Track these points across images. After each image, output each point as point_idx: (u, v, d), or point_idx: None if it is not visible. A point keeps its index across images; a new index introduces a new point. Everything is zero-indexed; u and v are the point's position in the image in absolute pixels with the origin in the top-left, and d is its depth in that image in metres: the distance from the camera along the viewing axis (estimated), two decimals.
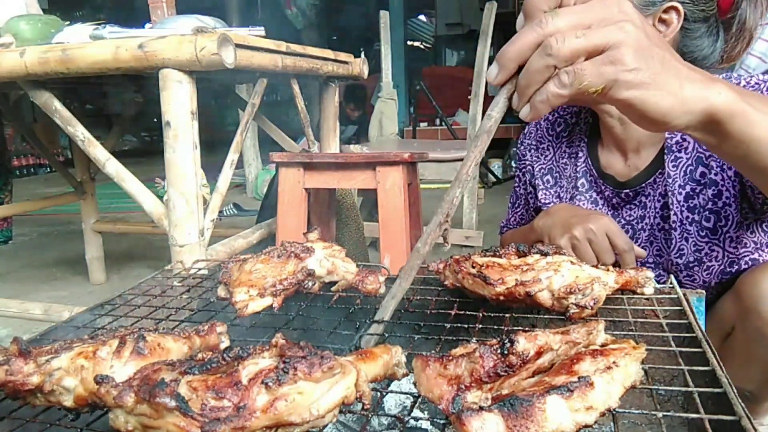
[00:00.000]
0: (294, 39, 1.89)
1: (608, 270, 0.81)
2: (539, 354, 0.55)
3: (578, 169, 1.21)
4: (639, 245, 1.13)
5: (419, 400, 0.59)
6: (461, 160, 3.14)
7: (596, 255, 0.99)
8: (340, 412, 0.54)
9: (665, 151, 1.07)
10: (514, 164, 5.41)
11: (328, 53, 1.94)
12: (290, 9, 7.26)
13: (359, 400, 0.54)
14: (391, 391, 0.64)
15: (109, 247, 2.99)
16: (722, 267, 1.07)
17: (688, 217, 1.06)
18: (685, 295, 0.82)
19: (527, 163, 1.32)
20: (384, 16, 3.61)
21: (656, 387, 0.59)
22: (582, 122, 1.23)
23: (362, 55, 2.16)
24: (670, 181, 1.06)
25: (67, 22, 1.76)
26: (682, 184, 1.06)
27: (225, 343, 0.71)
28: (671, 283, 0.86)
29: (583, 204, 1.19)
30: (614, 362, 0.52)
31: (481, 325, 0.77)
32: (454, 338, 0.73)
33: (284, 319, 0.83)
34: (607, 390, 0.49)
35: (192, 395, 0.49)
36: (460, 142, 3.54)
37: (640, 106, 0.62)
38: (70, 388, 0.59)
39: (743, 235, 1.05)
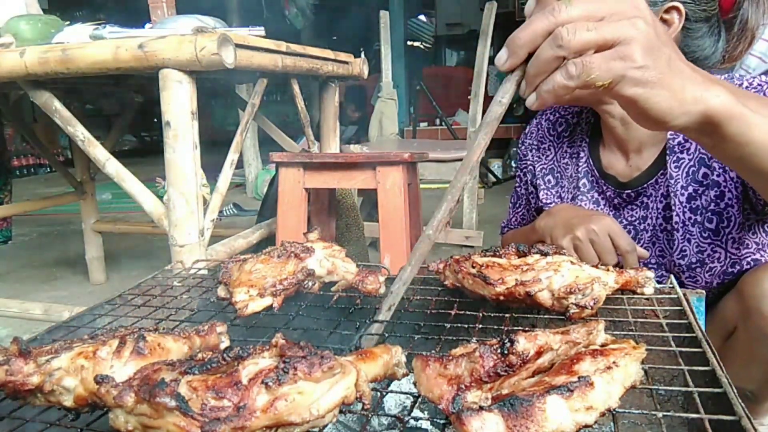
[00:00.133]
0: (294, 39, 1.89)
1: (608, 270, 0.81)
2: (539, 354, 0.55)
3: (580, 169, 1.20)
4: (641, 246, 1.13)
5: (419, 400, 0.59)
6: (461, 160, 3.13)
7: (598, 256, 0.99)
8: (340, 412, 0.54)
9: (667, 151, 1.07)
10: (514, 164, 5.41)
11: (328, 53, 1.94)
12: (288, 9, 7.25)
13: (359, 400, 0.54)
14: (391, 391, 0.64)
15: (109, 247, 2.99)
16: (724, 268, 1.07)
17: (690, 218, 1.06)
18: (685, 295, 0.82)
19: (528, 163, 1.31)
20: (384, 16, 3.61)
21: (656, 387, 0.59)
22: (583, 122, 1.23)
23: (362, 55, 2.16)
24: (672, 182, 1.06)
25: (67, 22, 1.76)
26: (685, 185, 1.06)
27: (225, 343, 0.71)
28: (671, 283, 0.86)
29: (585, 204, 1.19)
30: (614, 362, 0.52)
31: (481, 325, 0.77)
32: (454, 338, 0.73)
33: (284, 319, 0.83)
34: (607, 390, 0.49)
35: (192, 395, 0.49)
36: (460, 142, 3.54)
37: (643, 104, 0.62)
38: (70, 388, 0.59)
39: (745, 236, 1.05)
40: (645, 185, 1.12)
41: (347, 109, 6.22)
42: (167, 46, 1.31)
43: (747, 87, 1.01)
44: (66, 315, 1.52)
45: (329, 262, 0.90)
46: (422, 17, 8.27)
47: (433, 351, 0.66)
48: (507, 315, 0.80)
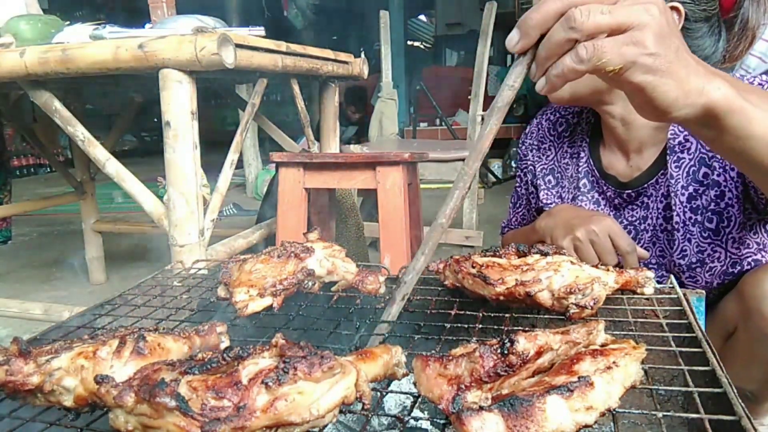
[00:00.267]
0: (294, 39, 1.89)
1: (608, 270, 0.81)
2: (539, 354, 0.55)
3: (580, 169, 1.20)
4: (642, 246, 1.13)
5: (419, 400, 0.59)
6: (461, 160, 3.14)
7: (599, 256, 0.99)
8: (340, 412, 0.54)
9: (668, 151, 1.07)
10: (514, 164, 5.40)
11: (328, 53, 1.94)
12: (286, 10, 7.26)
13: (359, 400, 0.54)
14: (391, 391, 0.64)
15: (109, 247, 2.99)
16: (725, 268, 1.07)
17: (690, 218, 1.06)
18: (685, 295, 0.82)
19: (529, 163, 1.31)
20: (384, 16, 3.61)
21: (656, 387, 0.59)
22: (584, 122, 1.23)
23: (362, 55, 2.16)
24: (672, 181, 1.06)
25: (67, 22, 1.76)
26: (685, 184, 1.05)
27: (225, 343, 0.71)
28: (671, 282, 0.86)
29: (585, 204, 1.19)
30: (614, 362, 0.52)
31: (481, 325, 0.77)
32: (454, 338, 0.73)
33: (284, 319, 0.83)
34: (607, 390, 0.49)
35: (192, 395, 0.49)
36: (460, 142, 3.54)
37: (650, 93, 0.62)
38: (70, 388, 0.59)
39: (746, 236, 1.05)
40: (645, 185, 1.12)
41: (347, 110, 6.22)
42: (167, 46, 1.31)
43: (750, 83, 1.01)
44: (66, 315, 1.52)
45: (329, 262, 0.90)
46: (422, 17, 8.27)
47: (433, 351, 0.66)
48: (507, 315, 0.80)
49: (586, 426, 0.48)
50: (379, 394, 0.63)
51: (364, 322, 0.81)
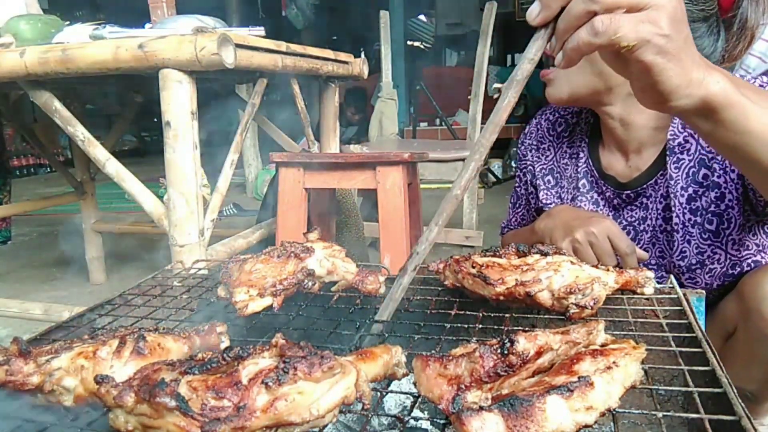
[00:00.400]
0: (294, 39, 1.89)
1: (608, 270, 0.81)
2: (539, 354, 0.55)
3: (579, 169, 1.20)
4: (641, 247, 1.13)
5: (419, 400, 0.59)
6: (461, 160, 3.13)
7: (598, 258, 0.99)
8: (340, 412, 0.54)
9: (667, 152, 1.07)
10: (514, 164, 5.40)
11: (328, 53, 1.94)
12: (285, 10, 7.25)
13: (359, 400, 0.54)
14: (391, 391, 0.64)
15: (109, 247, 2.99)
16: (724, 269, 1.07)
17: (690, 219, 1.06)
18: (685, 295, 0.82)
19: (528, 163, 1.31)
20: (384, 16, 3.61)
21: (656, 387, 0.59)
22: (583, 122, 1.23)
23: (362, 55, 2.16)
24: (672, 182, 1.06)
25: (67, 22, 1.76)
26: (685, 185, 1.05)
27: (225, 343, 0.71)
28: (671, 283, 0.86)
29: (584, 205, 1.19)
30: (614, 362, 0.52)
31: (481, 325, 0.77)
32: (454, 338, 0.73)
33: (284, 319, 0.83)
34: (607, 390, 0.49)
35: (192, 395, 0.49)
36: (460, 142, 3.54)
37: (656, 75, 0.63)
38: (70, 388, 0.59)
39: (745, 238, 1.05)
40: (644, 186, 1.12)
41: (347, 111, 6.22)
42: (167, 46, 1.32)
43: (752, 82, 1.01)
44: (66, 315, 1.52)
45: (329, 262, 0.90)
46: (422, 17, 8.26)
47: (433, 351, 0.66)
48: (507, 315, 0.80)
49: (586, 426, 0.48)
50: (379, 394, 0.63)
51: (364, 322, 0.81)
